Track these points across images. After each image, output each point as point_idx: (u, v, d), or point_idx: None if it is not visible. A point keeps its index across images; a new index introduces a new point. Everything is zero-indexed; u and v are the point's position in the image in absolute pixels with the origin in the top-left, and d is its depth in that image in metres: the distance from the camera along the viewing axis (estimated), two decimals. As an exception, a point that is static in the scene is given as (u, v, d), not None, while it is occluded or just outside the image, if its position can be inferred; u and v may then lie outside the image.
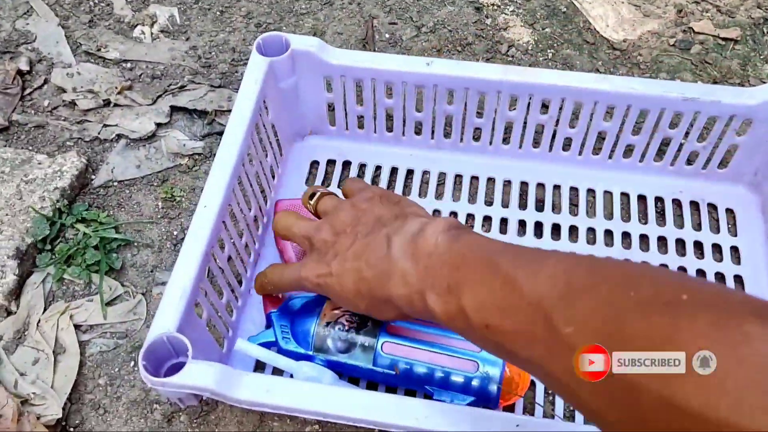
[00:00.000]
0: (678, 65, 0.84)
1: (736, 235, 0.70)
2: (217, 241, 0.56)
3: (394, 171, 0.74)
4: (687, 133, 0.69)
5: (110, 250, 0.66)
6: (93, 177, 0.72)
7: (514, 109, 0.70)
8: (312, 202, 0.57)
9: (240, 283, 0.63)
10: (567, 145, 0.73)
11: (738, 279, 0.66)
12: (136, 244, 0.68)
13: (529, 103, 0.69)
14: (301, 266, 0.52)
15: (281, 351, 0.55)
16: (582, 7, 0.89)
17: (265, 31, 0.86)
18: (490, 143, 0.74)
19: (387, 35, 0.87)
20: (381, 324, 0.55)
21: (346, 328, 0.54)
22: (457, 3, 0.90)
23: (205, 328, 0.55)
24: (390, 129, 0.74)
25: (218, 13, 0.88)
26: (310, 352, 0.55)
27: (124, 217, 0.70)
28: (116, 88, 0.77)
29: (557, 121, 0.70)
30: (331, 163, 0.75)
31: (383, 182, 0.73)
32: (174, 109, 0.77)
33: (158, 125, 0.75)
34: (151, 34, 0.84)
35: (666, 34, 0.87)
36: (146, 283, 0.65)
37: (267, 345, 0.56)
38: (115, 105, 0.76)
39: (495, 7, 0.89)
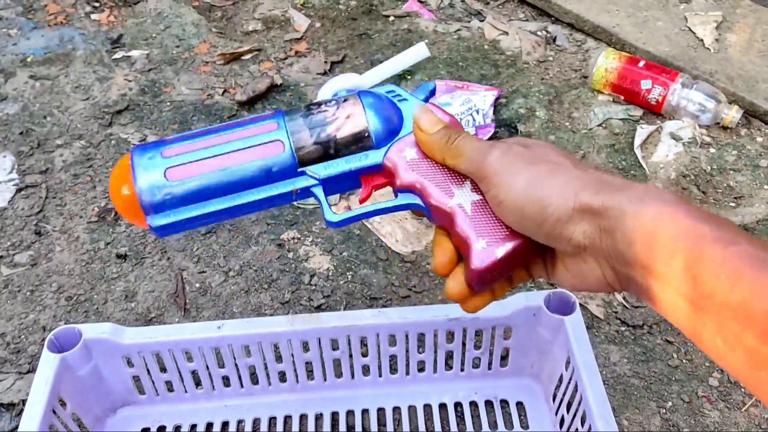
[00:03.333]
0: (461, 268, 0.94)
1: (527, 427, 0.77)
2: None
3: (210, 426, 0.77)
4: (464, 344, 0.77)
5: None
6: None
7: (308, 350, 0.76)
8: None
9: None
10: (366, 371, 0.79)
11: (534, 473, 0.72)
12: None
13: (320, 343, 0.75)
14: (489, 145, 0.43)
15: None
16: (373, 228, 1.00)
17: (77, 302, 0.90)
18: (297, 381, 0.79)
19: (197, 285, 0.93)
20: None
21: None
22: (260, 242, 0.98)
23: None
24: (199, 384, 0.78)
25: (28, 292, 0.91)
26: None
27: None
28: None
29: (350, 354, 0.77)
30: (146, 431, 0.76)
31: (199, 442, 0.75)
32: (-21, 407, 0.77)
33: (-40, 431, 0.74)
34: (-44, 328, 0.85)
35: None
36: None
37: None
38: None
39: (295, 241, 0.98)
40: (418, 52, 0.51)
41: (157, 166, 0.44)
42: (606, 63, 1.17)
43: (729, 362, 0.32)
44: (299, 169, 0.46)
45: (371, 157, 0.46)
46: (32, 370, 0.81)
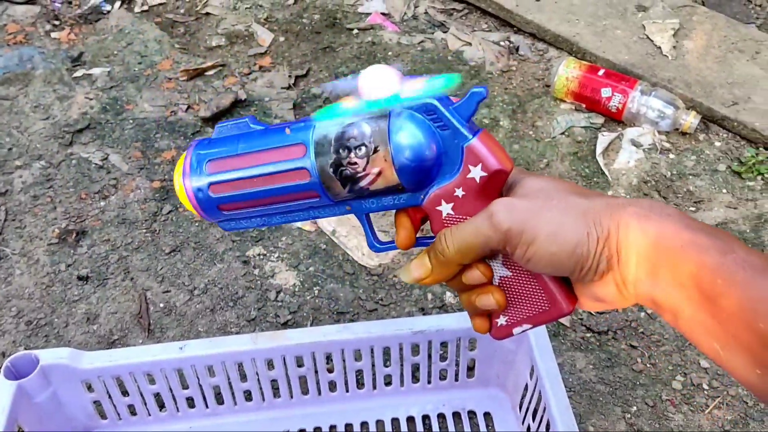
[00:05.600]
0: (427, 279, 0.94)
1: (495, 438, 0.77)
2: None
3: (174, 449, 0.76)
4: (430, 356, 0.77)
5: None
6: None
7: (273, 368, 0.75)
8: None
9: None
10: (333, 386, 0.79)
11: (502, 483, 0.72)
12: None
13: (284, 361, 0.75)
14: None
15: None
16: (339, 241, 1.00)
17: (36, 327, 0.88)
18: (263, 400, 0.78)
19: (161, 305, 0.91)
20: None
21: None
22: (225, 259, 0.97)
23: None
24: (163, 406, 0.77)
25: (-14, 318, 0.89)
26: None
27: None
28: None
29: (316, 371, 0.76)
30: (108, 457, 0.75)
31: (163, 465, 0.74)
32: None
33: None
34: None
35: (414, 252, 0.98)
36: None
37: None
38: None
39: (261, 257, 0.97)
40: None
41: (202, 178, 0.46)
42: (567, 72, 1.18)
43: (729, 364, 0.35)
44: (337, 201, 0.46)
45: (409, 200, 0.45)
46: (-9, 398, 0.79)
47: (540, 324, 0.44)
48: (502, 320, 0.44)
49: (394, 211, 0.46)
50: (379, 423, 0.78)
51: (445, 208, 0.43)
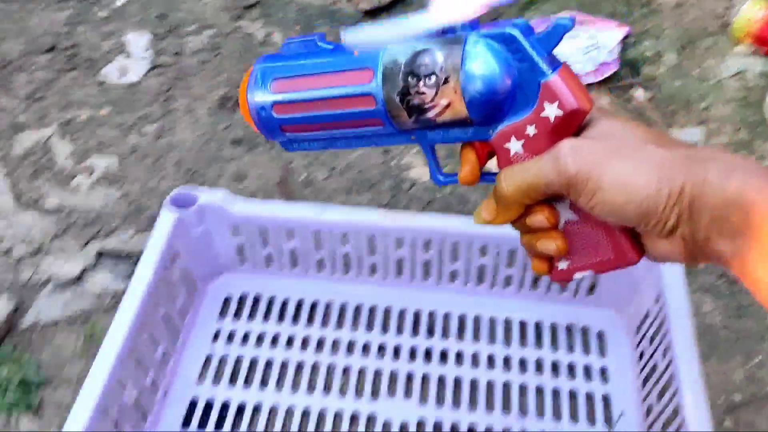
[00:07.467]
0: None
1: (605, 356, 0.77)
2: (118, 382, 0.63)
3: (300, 303, 0.82)
4: (554, 266, 0.78)
5: (29, 391, 0.72)
6: (21, 319, 0.79)
7: (401, 248, 0.79)
8: None
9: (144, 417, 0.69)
10: (453, 277, 0.82)
11: (605, 398, 0.73)
12: (55, 382, 0.74)
13: (413, 243, 0.78)
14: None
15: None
16: (478, 147, 1.01)
17: (194, 176, 0.96)
18: (384, 277, 0.82)
19: (302, 177, 0.97)
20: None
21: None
22: (367, 146, 1.01)
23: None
24: (295, 264, 0.83)
25: (151, 162, 0.98)
26: None
27: (47, 356, 0.76)
28: (49, 236, 0.86)
29: (440, 259, 0.79)
30: (243, 298, 0.82)
31: (290, 311, 0.80)
32: (101, 253, 0.86)
33: (85, 269, 0.83)
34: (89, 183, 0.94)
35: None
36: (62, 420, 0.71)
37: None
38: (47, 253, 0.85)
39: (401, 149, 1.00)
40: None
41: (266, 96, 0.45)
42: (751, 12, 1.09)
43: None
44: (402, 130, 0.44)
45: (477, 134, 0.43)
46: (149, 229, 0.89)
47: (603, 272, 0.42)
48: (563, 264, 0.43)
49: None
50: (492, 321, 0.81)
51: (515, 146, 0.41)
